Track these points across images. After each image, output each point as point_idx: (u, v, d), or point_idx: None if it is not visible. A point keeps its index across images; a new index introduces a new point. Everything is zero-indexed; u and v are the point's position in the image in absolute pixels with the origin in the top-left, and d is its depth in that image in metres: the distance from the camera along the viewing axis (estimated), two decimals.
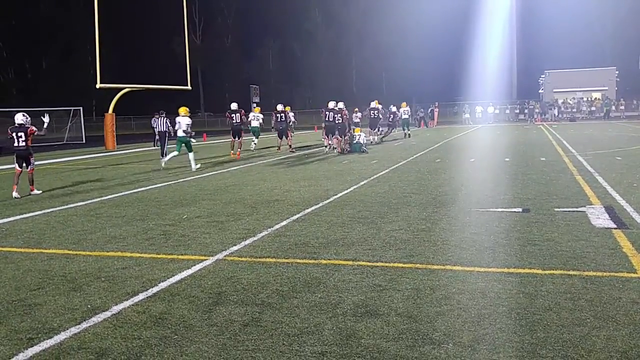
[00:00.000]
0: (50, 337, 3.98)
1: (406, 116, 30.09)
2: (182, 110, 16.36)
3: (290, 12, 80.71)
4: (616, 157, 15.41)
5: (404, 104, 30.51)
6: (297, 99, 72.53)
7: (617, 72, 59.48)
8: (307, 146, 25.34)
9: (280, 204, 9.36)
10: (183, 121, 16.04)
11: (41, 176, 15.17)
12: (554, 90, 58.86)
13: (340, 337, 3.80)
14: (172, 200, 10.20)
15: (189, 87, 33.24)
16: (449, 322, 4.00)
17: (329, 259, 5.75)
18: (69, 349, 3.77)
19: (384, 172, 13.64)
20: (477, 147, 22.83)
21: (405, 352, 3.55)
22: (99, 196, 11.13)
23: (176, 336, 3.94)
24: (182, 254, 6.18)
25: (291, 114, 24.06)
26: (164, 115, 21.44)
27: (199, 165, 16.19)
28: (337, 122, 20.43)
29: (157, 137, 21.94)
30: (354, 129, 21.25)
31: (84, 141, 37.79)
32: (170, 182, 13.07)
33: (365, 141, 20.91)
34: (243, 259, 5.90)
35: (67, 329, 4.12)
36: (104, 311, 4.47)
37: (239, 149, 20.64)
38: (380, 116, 26.67)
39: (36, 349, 3.80)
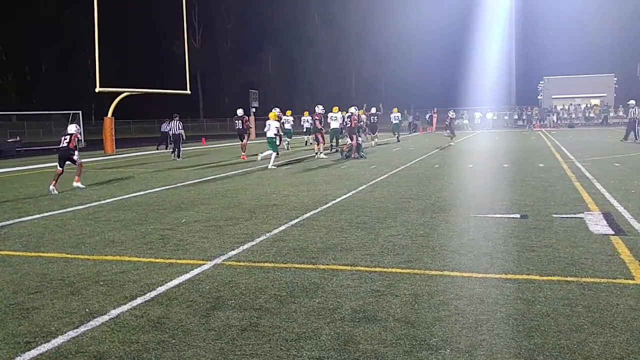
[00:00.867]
0: (48, 341, 3.98)
1: (396, 121, 32.74)
2: (272, 115, 18.84)
3: (290, 16, 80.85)
4: (614, 163, 15.44)
5: (395, 109, 32.81)
6: (296, 104, 72.49)
7: (615, 78, 59.59)
8: (306, 150, 25.36)
9: (279, 208, 9.36)
10: (273, 124, 18.15)
11: (40, 180, 15.16)
12: (553, 96, 58.98)
13: (338, 342, 3.80)
14: (171, 205, 10.20)
15: (189, 92, 33.31)
16: (447, 328, 4.00)
17: (327, 264, 5.76)
18: (66, 353, 3.77)
19: (382, 177, 13.66)
20: (476, 153, 22.86)
21: (402, 358, 3.55)
22: (98, 200, 11.12)
23: (174, 340, 3.94)
24: (180, 259, 6.18)
25: (290, 119, 24.64)
26: (177, 118, 23.08)
27: (274, 167, 17.35)
28: (345, 125, 21.29)
29: (168, 139, 23.84)
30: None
31: (83, 145, 37.73)
32: (168, 187, 13.07)
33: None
34: (241, 263, 5.90)
35: (65, 333, 4.12)
36: (102, 315, 4.47)
37: (242, 151, 22.05)
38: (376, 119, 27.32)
39: (34, 352, 3.80)
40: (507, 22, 64.73)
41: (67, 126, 13.61)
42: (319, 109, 23.27)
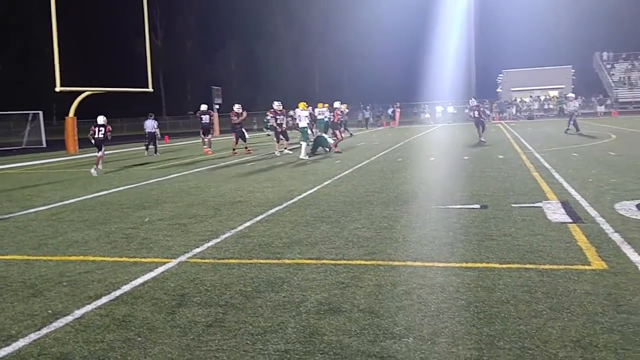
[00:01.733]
0: (8, 345, 3.92)
1: (321, 117, 25.69)
2: (301, 105, 19.52)
3: (252, 13, 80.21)
4: (573, 153, 15.83)
5: (319, 104, 26.27)
6: (260, 100, 72.13)
7: (573, 70, 60.93)
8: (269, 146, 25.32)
9: (244, 205, 9.35)
10: (302, 114, 18.91)
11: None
12: (512, 89, 60.02)
13: (304, 335, 3.85)
14: (135, 204, 10.09)
15: (151, 89, 32.85)
16: (410, 317, 4.08)
17: (293, 259, 5.80)
18: (28, 356, 3.73)
19: (347, 171, 13.75)
20: (437, 146, 23.17)
21: (366, 347, 3.61)
22: (60, 200, 10.94)
23: (140, 338, 3.93)
24: (144, 257, 6.14)
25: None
26: (152, 117, 24.52)
27: (307, 157, 17.94)
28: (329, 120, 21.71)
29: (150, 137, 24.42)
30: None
31: (44, 145, 36.97)
32: (132, 185, 12.92)
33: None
34: (206, 260, 5.90)
35: (26, 335, 4.07)
36: (65, 316, 4.43)
37: (209, 147, 23.11)
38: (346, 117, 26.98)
39: None
40: (466, 17, 65.48)
41: (97, 118, 16.74)
42: (276, 105, 21.59)
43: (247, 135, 22.57)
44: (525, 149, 18.05)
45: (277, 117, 21.04)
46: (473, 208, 8.14)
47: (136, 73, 35.60)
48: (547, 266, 5.16)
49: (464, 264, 5.32)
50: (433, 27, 63.50)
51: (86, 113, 34.01)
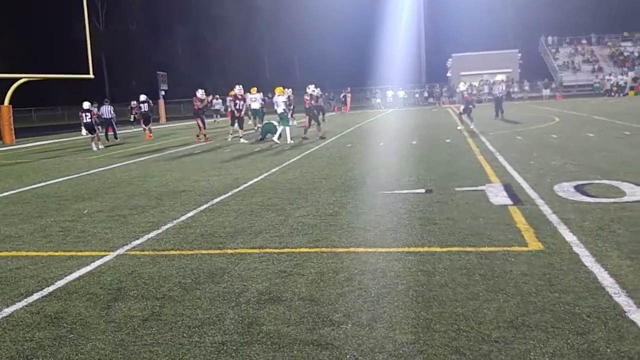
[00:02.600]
0: None
1: (256, 105, 24.32)
2: (278, 90, 19.35)
3: None
4: (517, 136, 16.18)
5: (253, 89, 24.58)
6: (208, 85, 71.15)
7: (520, 54, 62.19)
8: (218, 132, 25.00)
9: (188, 194, 9.18)
10: (280, 100, 18.70)
11: None
12: (461, 73, 60.84)
13: (242, 326, 3.79)
14: (73, 195, 9.78)
15: (92, 76, 31.87)
16: (349, 303, 4.07)
17: (235, 249, 5.71)
18: None
19: (295, 158, 13.68)
20: (387, 131, 23.33)
21: (305, 336, 3.58)
22: None
23: (72, 335, 3.80)
24: (81, 251, 5.95)
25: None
26: (107, 103, 25.57)
27: (292, 141, 18.00)
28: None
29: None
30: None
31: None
32: (71, 176, 12.53)
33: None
34: (145, 252, 5.75)
35: None
36: None
37: (149, 132, 24.99)
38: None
39: None
40: (416, 1, 65.98)
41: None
42: (237, 89, 20.95)
43: (206, 122, 22.29)
44: (472, 132, 18.33)
45: (237, 101, 20.63)
46: (418, 193, 8.20)
47: (76, 59, 34.39)
48: (486, 248, 5.24)
49: (406, 249, 5.34)
50: (384, 11, 63.80)
51: (26, 101, 32.79)
